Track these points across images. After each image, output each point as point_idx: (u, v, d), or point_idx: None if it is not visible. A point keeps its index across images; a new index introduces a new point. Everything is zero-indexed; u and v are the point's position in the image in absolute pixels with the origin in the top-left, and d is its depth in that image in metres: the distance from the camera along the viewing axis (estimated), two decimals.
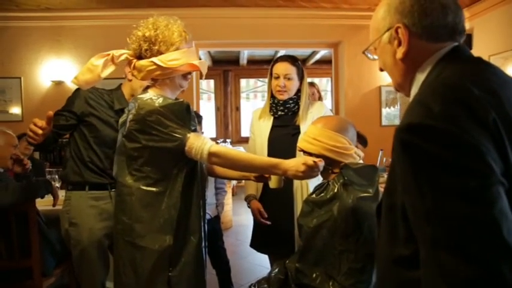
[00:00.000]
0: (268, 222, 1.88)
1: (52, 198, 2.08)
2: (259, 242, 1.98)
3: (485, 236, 0.57)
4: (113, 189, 1.85)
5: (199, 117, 2.37)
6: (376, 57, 0.93)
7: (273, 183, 1.62)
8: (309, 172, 1.35)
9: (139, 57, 1.40)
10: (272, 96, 1.96)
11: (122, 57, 1.45)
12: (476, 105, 0.64)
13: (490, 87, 0.68)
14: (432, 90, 0.71)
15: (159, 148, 1.35)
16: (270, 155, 1.82)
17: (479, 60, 0.80)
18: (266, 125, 1.95)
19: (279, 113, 1.94)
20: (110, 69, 1.49)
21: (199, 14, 3.75)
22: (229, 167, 1.48)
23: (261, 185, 1.94)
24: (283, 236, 1.84)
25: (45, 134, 1.56)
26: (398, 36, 0.82)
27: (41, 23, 3.74)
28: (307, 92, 1.96)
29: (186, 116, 1.37)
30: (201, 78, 4.82)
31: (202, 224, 1.48)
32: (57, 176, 2.64)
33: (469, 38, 3.89)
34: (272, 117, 1.96)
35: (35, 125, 1.53)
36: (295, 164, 1.36)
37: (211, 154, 1.36)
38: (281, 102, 1.92)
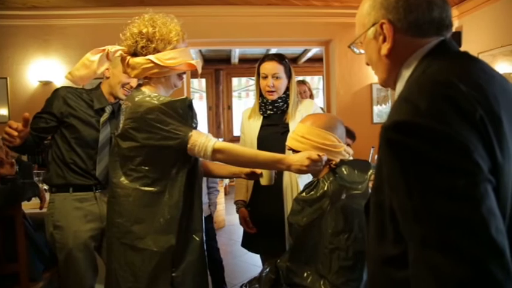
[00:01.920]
0: (254, 231, 1.89)
1: (39, 200, 2.05)
2: (250, 241, 1.97)
3: (474, 235, 0.57)
4: (98, 190, 1.83)
5: None
6: (362, 51, 0.92)
7: (264, 180, 1.62)
8: (312, 166, 1.36)
9: (134, 54, 1.37)
10: (261, 95, 1.94)
11: (117, 54, 1.42)
12: (464, 101, 0.63)
13: (476, 83, 0.67)
14: (419, 86, 0.70)
15: (159, 147, 1.32)
16: None
17: (466, 55, 0.79)
18: (256, 124, 1.94)
19: (268, 112, 1.92)
20: (105, 65, 1.47)
21: (189, 12, 3.71)
22: (233, 163, 1.48)
23: (251, 185, 1.94)
24: (274, 235, 1.83)
25: (23, 136, 1.53)
26: (383, 32, 0.81)
27: (28, 21, 3.67)
28: (296, 90, 1.94)
29: (188, 113, 1.35)
30: (196, 77, 4.82)
31: (203, 222, 1.48)
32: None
33: (459, 35, 3.91)
34: (261, 117, 1.94)
35: (10, 127, 1.50)
36: (299, 158, 1.37)
37: (215, 150, 1.35)
38: (270, 101, 1.91)
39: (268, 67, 1.88)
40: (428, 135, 0.61)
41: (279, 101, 1.91)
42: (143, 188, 1.35)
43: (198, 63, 1.43)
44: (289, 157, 1.39)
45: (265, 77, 1.88)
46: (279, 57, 1.91)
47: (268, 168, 1.54)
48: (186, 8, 3.70)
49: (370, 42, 0.86)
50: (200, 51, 6.26)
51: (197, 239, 1.43)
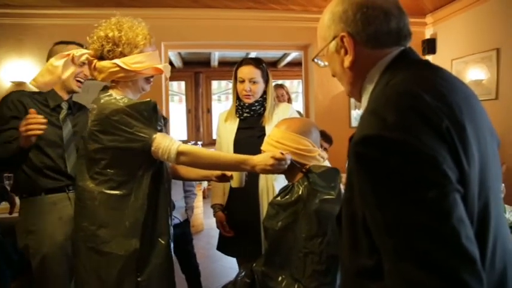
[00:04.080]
0: (231, 234, 1.89)
1: (8, 205, 1.98)
2: (225, 244, 1.97)
3: (446, 245, 0.58)
4: (71, 191, 1.77)
5: (164, 120, 2.33)
6: (327, 63, 0.93)
7: (234, 182, 1.61)
8: (277, 166, 1.35)
9: (101, 57, 1.36)
10: (238, 98, 1.94)
11: (83, 58, 1.42)
12: (430, 113, 0.63)
13: (440, 93, 0.68)
14: (385, 99, 0.70)
15: (123, 149, 1.31)
16: None
17: (426, 64, 0.80)
18: (232, 127, 1.94)
19: (245, 115, 1.93)
20: (71, 70, 1.45)
21: (167, 15, 3.69)
22: (197, 165, 1.46)
23: (227, 189, 1.93)
24: (250, 239, 1.83)
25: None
26: (344, 45, 0.82)
27: (1, 20, 3.55)
28: (273, 94, 1.96)
29: (152, 116, 1.35)
30: (172, 79, 4.82)
31: (170, 225, 1.46)
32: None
33: (433, 42, 4.03)
34: (238, 120, 1.95)
35: (34, 114, 1.47)
36: (263, 158, 1.37)
37: (179, 153, 1.34)
38: (247, 104, 1.92)
39: (245, 71, 1.89)
40: (396, 148, 0.61)
41: (256, 104, 1.92)
42: (109, 192, 1.34)
43: (166, 67, 1.43)
44: (253, 158, 1.39)
45: (242, 81, 1.89)
46: (256, 62, 1.92)
47: (232, 169, 1.53)
48: (164, 10, 3.67)
49: (333, 55, 0.87)
50: (179, 53, 6.21)
51: (163, 242, 1.42)
